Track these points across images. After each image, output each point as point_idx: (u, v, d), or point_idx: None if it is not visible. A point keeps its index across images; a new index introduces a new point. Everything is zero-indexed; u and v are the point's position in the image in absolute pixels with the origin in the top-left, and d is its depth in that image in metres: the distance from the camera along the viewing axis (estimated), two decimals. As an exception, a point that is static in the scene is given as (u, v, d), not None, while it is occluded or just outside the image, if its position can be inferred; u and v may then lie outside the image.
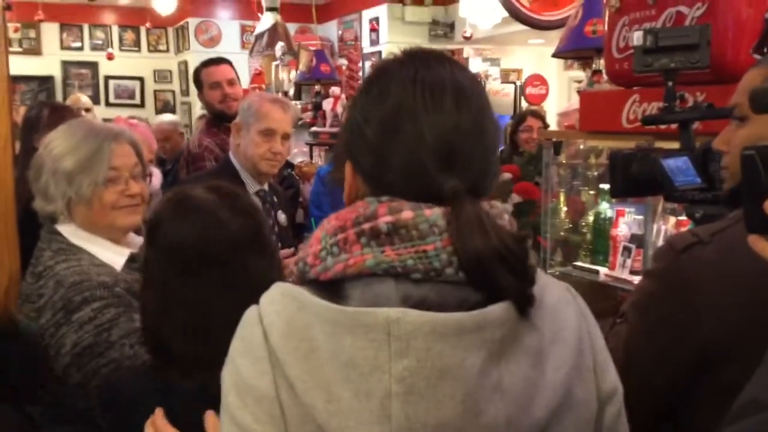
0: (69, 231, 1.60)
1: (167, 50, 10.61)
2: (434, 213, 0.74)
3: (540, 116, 4.27)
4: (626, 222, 2.39)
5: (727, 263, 1.03)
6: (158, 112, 9.75)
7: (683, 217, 2.15)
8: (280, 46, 5.26)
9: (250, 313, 0.79)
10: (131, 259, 1.61)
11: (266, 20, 5.73)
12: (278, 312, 0.76)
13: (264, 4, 5.86)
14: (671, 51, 1.60)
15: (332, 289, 0.75)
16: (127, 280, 1.54)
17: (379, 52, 8.49)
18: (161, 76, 10.59)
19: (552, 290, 0.81)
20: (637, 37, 1.62)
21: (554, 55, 2.75)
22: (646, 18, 1.91)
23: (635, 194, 1.67)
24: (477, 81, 0.83)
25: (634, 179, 1.53)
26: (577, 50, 2.61)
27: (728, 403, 1.02)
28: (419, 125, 0.76)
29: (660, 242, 2.27)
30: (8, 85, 1.94)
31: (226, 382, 0.77)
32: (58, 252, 1.56)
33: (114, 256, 1.60)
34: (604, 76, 2.41)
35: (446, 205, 0.75)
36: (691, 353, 1.06)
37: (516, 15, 3.75)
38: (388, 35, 8.49)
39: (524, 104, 7.59)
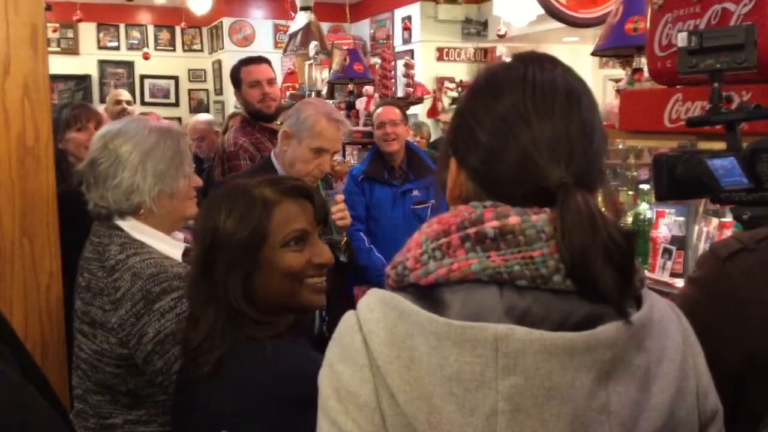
0: (128, 226, 1.67)
1: (201, 50, 10.73)
2: (541, 219, 0.73)
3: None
4: (666, 223, 2.35)
5: None
6: (192, 111, 9.87)
7: (726, 219, 2.11)
8: (313, 45, 5.27)
9: (349, 320, 0.79)
10: (185, 252, 1.69)
11: (300, 19, 5.75)
12: (378, 320, 0.75)
13: (298, 3, 5.89)
14: (717, 51, 1.57)
15: (431, 295, 0.75)
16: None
17: (412, 51, 8.48)
18: (195, 75, 10.72)
19: (659, 307, 0.79)
20: (681, 38, 1.59)
21: (594, 54, 2.71)
22: (691, 15, 1.88)
23: (681, 197, 1.63)
24: (584, 82, 0.83)
25: (679, 181, 1.50)
26: (617, 48, 2.56)
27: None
28: (531, 127, 0.76)
29: (702, 244, 2.23)
30: (49, 86, 1.98)
31: (325, 387, 0.77)
32: (125, 246, 1.63)
33: (171, 249, 1.69)
34: (645, 75, 2.37)
35: (554, 204, 0.73)
36: (737, 363, 1.03)
37: (553, 12, 3.71)
38: (421, 34, 8.47)
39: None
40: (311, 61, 5.16)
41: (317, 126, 2.40)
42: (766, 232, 1.08)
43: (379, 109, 3.79)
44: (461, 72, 8.50)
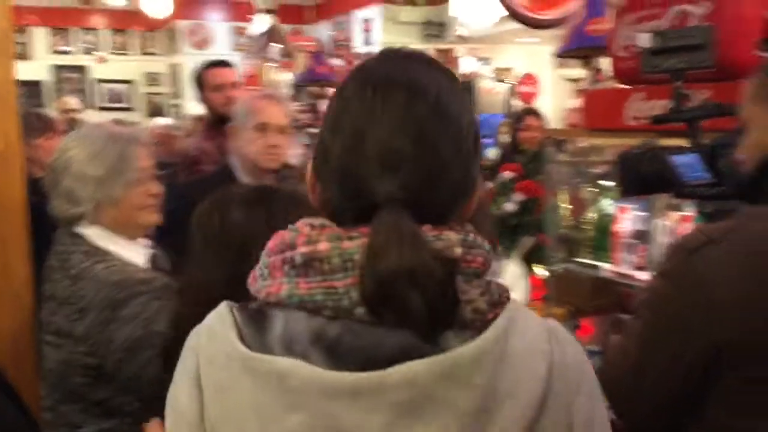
0: (91, 233, 1.64)
1: (158, 53, 10.58)
2: (354, 246, 0.68)
3: (538, 114, 4.30)
4: (629, 218, 2.42)
5: (744, 261, 1.05)
6: (149, 115, 9.72)
7: (686, 213, 2.18)
8: (275, 48, 5.26)
9: (192, 334, 0.77)
10: (151, 258, 1.68)
11: (261, 22, 5.72)
12: (209, 339, 0.73)
13: (257, 5, 5.87)
14: (678, 52, 1.63)
15: (262, 315, 0.72)
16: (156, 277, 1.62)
17: (372, 53, 8.50)
18: (152, 79, 10.56)
19: (525, 336, 0.70)
20: (644, 39, 1.65)
21: (558, 55, 2.77)
22: (652, 17, 1.94)
23: (645, 192, 1.69)
24: (447, 81, 0.75)
25: (644, 178, 1.55)
26: (579, 49, 2.63)
27: (754, 397, 1.04)
28: (361, 124, 0.70)
29: (662, 238, 2.30)
30: (15, 91, 1.95)
31: (167, 400, 0.76)
32: (89, 254, 1.60)
33: (135, 255, 1.67)
34: (605, 74, 2.43)
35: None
36: (705, 353, 1.08)
37: (514, 14, 3.77)
38: (381, 35, 8.51)
39: (517, 103, 7.63)
40: (271, 64, 5.14)
41: (254, 105, 2.38)
42: (730, 224, 1.12)
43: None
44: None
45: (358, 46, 8.76)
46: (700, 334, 1.07)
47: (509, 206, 2.44)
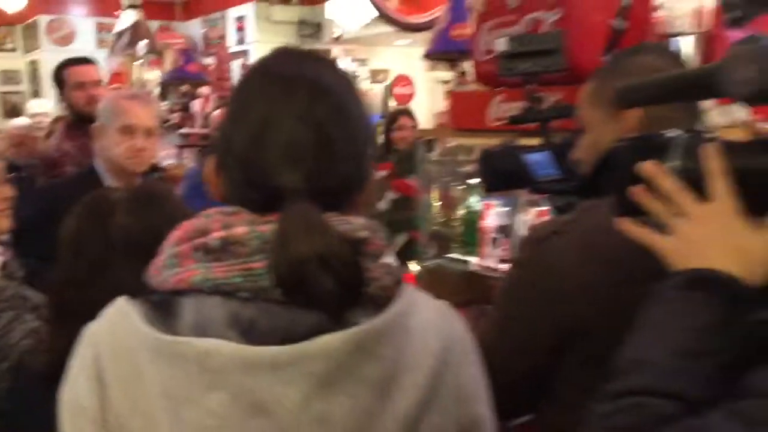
0: None
1: (15, 49, 9.90)
2: (269, 230, 0.71)
3: (411, 115, 4.41)
4: (494, 214, 2.54)
5: (581, 251, 1.13)
6: (6, 115, 9.09)
7: (543, 208, 2.32)
8: (142, 45, 5.07)
9: (87, 331, 0.77)
10: (3, 265, 1.59)
11: (126, 18, 5.50)
12: (107, 333, 0.74)
13: (123, 1, 5.63)
14: (531, 56, 1.74)
15: (168, 304, 0.73)
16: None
17: (246, 52, 8.38)
18: (8, 77, 9.88)
19: (422, 314, 0.78)
20: (501, 43, 1.74)
21: (425, 57, 2.86)
22: (509, 23, 2.05)
23: (505, 188, 1.79)
24: (345, 82, 0.80)
25: (501, 175, 1.64)
26: (445, 52, 2.73)
27: (592, 374, 1.13)
28: (265, 117, 0.74)
29: (523, 232, 2.43)
30: None
31: (63, 397, 0.76)
32: None
33: None
34: (469, 77, 2.54)
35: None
36: (551, 334, 1.16)
37: (385, 17, 3.85)
38: (255, 34, 8.40)
39: (392, 104, 7.78)
40: (140, 61, 4.96)
41: (118, 106, 2.30)
42: (572, 216, 1.21)
43: (218, 111, 3.74)
44: (297, 73, 8.52)
45: (232, 45, 8.61)
46: (546, 317, 1.15)
47: (382, 204, 2.49)
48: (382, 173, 2.67)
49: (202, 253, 0.71)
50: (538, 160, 1.55)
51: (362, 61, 8.62)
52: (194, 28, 9.30)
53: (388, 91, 8.33)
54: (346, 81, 0.81)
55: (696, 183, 0.78)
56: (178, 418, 0.69)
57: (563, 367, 1.17)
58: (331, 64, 0.84)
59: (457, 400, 0.79)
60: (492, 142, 2.14)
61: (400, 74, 8.40)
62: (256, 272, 0.70)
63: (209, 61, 6.59)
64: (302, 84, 0.76)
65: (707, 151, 0.77)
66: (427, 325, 0.78)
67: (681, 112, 1.16)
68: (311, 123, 0.75)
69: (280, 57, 0.81)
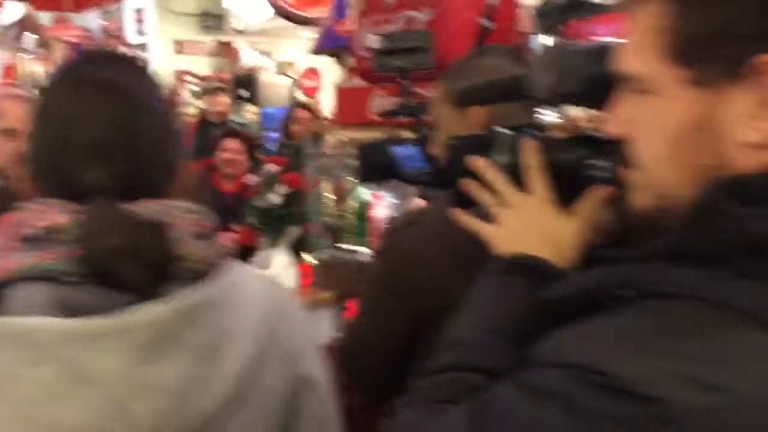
0: None
1: None
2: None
3: (309, 108, 4.43)
4: (382, 205, 2.62)
5: (433, 240, 1.20)
6: None
7: (425, 199, 2.41)
8: (30, 38, 4.87)
9: None
10: None
11: (14, 9, 5.26)
12: None
13: (10, -10, 5.38)
14: (403, 53, 1.82)
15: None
16: None
17: (145, 45, 8.15)
18: None
19: (247, 285, 0.84)
20: (373, 41, 1.81)
21: (313, 53, 2.90)
22: (385, 21, 2.12)
23: (380, 180, 1.86)
24: (149, 84, 0.85)
25: (374, 167, 1.71)
26: (330, 48, 2.78)
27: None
28: (69, 121, 0.79)
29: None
30: None
31: None
32: None
33: None
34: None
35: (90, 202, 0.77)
36: (408, 319, 1.22)
37: (278, 10, 3.87)
38: (157, 26, 8.18)
39: (301, 97, 7.76)
40: (27, 55, 4.77)
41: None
42: (428, 208, 1.29)
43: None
44: (202, 66, 8.38)
45: (131, 37, 8.35)
46: (402, 303, 1.22)
47: (274, 198, 2.53)
48: (274, 167, 2.70)
49: (24, 243, 0.75)
50: (408, 154, 1.63)
51: (268, 54, 8.56)
52: (92, 20, 8.96)
53: (296, 84, 8.29)
54: (151, 83, 0.86)
55: (517, 176, 0.86)
56: (7, 394, 0.72)
57: (421, 352, 1.24)
58: (137, 66, 0.88)
59: (287, 363, 0.85)
60: (376, 135, 2.22)
61: (309, 67, 8.38)
62: (77, 259, 0.74)
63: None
64: (105, 86, 0.80)
65: (526, 147, 0.85)
66: (253, 296, 0.85)
67: (520, 110, 1.25)
68: (114, 122, 0.79)
69: (87, 60, 0.87)
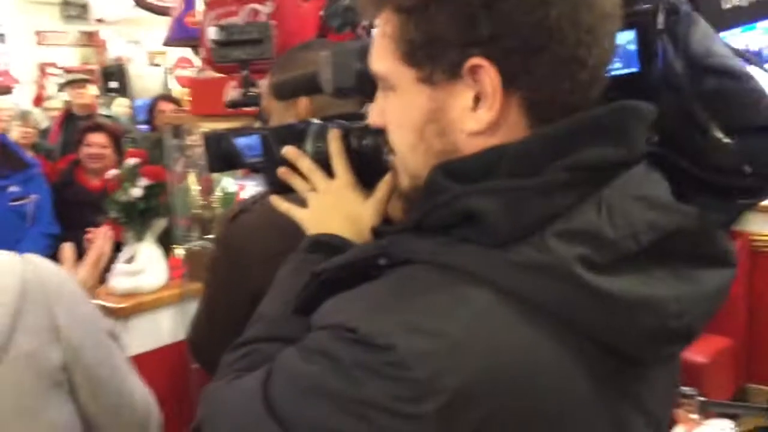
0: None
1: None
2: None
3: (173, 99, 4.37)
4: (248, 194, 2.65)
5: (266, 225, 1.26)
6: None
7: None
8: None
9: None
10: None
11: None
12: None
13: None
14: (242, 44, 1.87)
15: None
16: None
17: (2, 35, 7.70)
18: None
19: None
20: (212, 32, 1.85)
21: (164, 44, 2.89)
22: (229, 13, 2.16)
23: (225, 169, 1.90)
24: None
25: (218, 157, 1.76)
26: (181, 39, 2.78)
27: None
28: None
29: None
30: None
31: None
32: None
33: None
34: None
35: None
36: (247, 303, 1.28)
37: (138, 1, 3.78)
38: (16, 14, 7.73)
39: (175, 87, 7.57)
40: None
41: None
42: (260, 194, 1.36)
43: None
44: (66, 56, 8.01)
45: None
46: (239, 288, 1.28)
47: (136, 191, 2.52)
48: (133, 160, 2.68)
49: None
50: (248, 144, 1.69)
51: (137, 43, 8.29)
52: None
53: (168, 74, 8.07)
54: None
55: (326, 163, 0.94)
56: None
57: None
58: None
59: (47, 330, 0.97)
60: (231, 125, 2.26)
61: (182, 56, 8.16)
62: None
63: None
64: None
65: (331, 135, 0.94)
66: (4, 270, 0.96)
67: (348, 101, 1.33)
68: None
69: None
